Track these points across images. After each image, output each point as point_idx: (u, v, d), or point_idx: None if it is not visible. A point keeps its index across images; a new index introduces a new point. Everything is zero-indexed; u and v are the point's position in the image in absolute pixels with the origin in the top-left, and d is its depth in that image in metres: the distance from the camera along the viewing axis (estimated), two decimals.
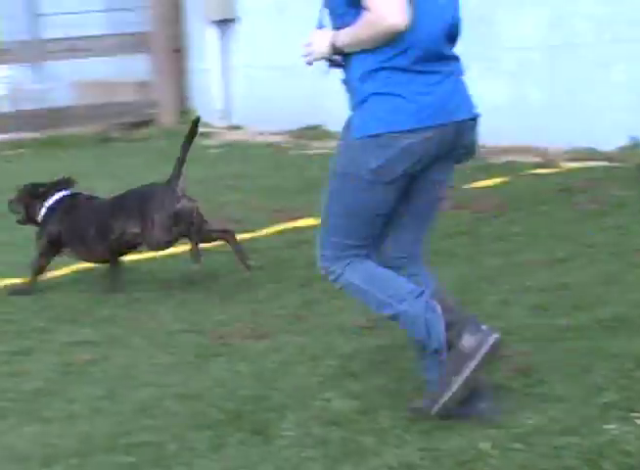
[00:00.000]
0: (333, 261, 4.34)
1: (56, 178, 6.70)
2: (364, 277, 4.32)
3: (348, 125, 4.23)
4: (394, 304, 4.27)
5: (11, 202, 6.73)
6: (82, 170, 8.82)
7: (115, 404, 4.72)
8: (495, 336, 4.18)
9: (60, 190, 6.59)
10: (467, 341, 4.14)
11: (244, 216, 7.94)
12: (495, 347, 4.18)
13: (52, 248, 6.49)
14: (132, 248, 6.42)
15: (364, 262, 4.33)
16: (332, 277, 4.36)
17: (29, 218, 6.64)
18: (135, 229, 6.17)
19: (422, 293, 4.24)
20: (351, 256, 4.31)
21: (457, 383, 4.13)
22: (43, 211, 6.55)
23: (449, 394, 4.15)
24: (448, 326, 4.18)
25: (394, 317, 4.32)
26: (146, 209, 6.14)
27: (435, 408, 4.18)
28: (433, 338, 4.19)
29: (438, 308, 4.21)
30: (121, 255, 6.50)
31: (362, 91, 4.14)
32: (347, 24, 4.08)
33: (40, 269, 6.49)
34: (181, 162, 6.11)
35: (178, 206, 6.07)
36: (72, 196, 6.61)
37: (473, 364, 4.13)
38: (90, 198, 6.66)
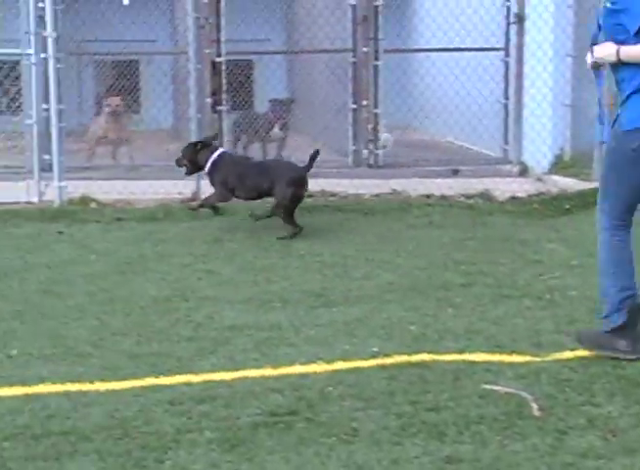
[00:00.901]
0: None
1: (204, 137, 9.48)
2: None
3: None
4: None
5: (178, 159, 9.03)
6: None
7: None
8: None
9: (215, 149, 8.99)
10: None
11: None
12: None
13: (225, 187, 8.77)
14: (267, 195, 8.75)
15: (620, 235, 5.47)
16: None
17: (197, 168, 9.01)
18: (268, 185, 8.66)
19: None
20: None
21: None
22: (209, 163, 8.83)
23: None
24: None
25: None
26: (279, 174, 8.69)
27: None
28: None
29: None
30: (260, 197, 8.85)
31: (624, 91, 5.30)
32: (624, 43, 5.22)
33: (219, 201, 8.94)
34: (313, 158, 8.80)
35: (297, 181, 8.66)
36: (226, 153, 9.13)
37: None
38: (239, 156, 9.69)
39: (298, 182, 8.69)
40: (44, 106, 10.36)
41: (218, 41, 12.07)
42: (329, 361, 5.48)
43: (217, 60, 12.04)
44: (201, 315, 6.36)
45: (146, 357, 5.60)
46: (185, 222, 9.14)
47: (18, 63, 11.33)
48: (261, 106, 13.89)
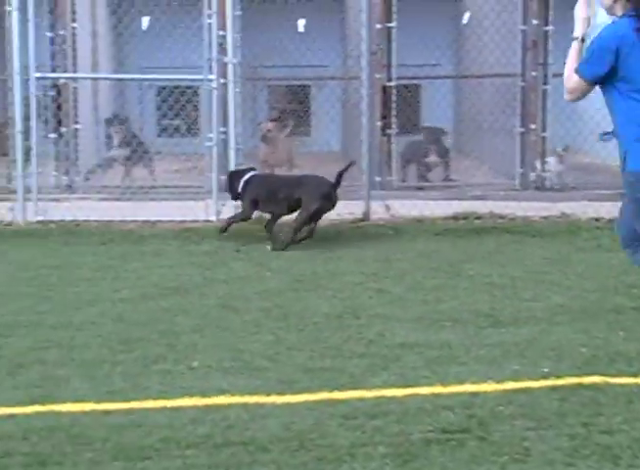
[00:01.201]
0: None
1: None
2: None
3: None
4: None
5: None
6: None
7: None
8: None
9: (247, 172, 9.38)
10: None
11: None
12: None
13: (251, 205, 9.21)
14: (295, 209, 9.03)
15: None
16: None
17: (236, 192, 9.35)
18: (298, 197, 8.97)
19: None
20: None
21: None
22: (241, 184, 9.24)
23: None
24: None
25: None
26: (308, 188, 9.03)
27: None
28: None
29: None
30: (291, 212, 9.12)
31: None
32: None
33: (242, 218, 9.32)
34: (341, 174, 9.13)
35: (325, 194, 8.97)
36: (258, 174, 9.51)
37: None
38: (270, 174, 9.99)
39: (327, 196, 9.01)
40: (222, 129, 10.59)
41: (389, 66, 12.15)
42: (499, 381, 5.42)
43: (388, 84, 12.12)
44: (372, 333, 6.38)
45: (320, 372, 5.64)
46: (356, 242, 9.21)
47: (197, 88, 11.64)
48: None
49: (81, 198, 11.22)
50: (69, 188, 11.87)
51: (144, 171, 12.45)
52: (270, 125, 12.72)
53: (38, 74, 10.18)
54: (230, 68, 10.18)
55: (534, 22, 12.09)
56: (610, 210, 10.19)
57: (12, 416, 4.96)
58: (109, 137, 12.74)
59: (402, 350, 6.02)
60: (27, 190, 10.13)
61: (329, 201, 9.03)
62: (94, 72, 13.38)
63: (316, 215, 9.06)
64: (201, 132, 12.54)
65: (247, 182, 9.27)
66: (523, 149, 12.36)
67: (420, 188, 12.33)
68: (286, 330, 6.47)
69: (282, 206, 9.17)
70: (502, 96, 12.76)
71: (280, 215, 9.31)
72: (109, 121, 12.94)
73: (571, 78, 5.79)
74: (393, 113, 12.27)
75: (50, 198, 10.46)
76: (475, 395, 5.23)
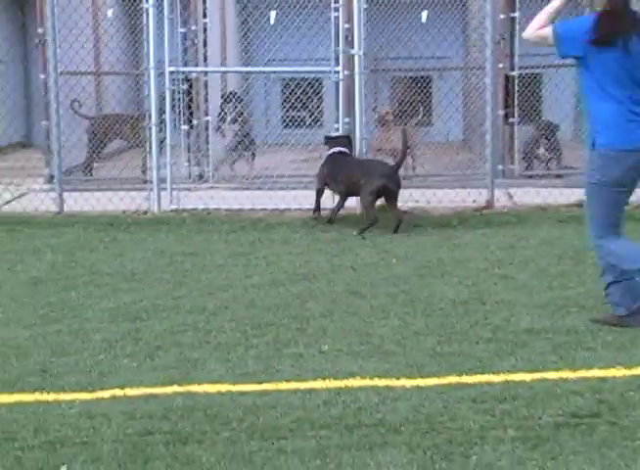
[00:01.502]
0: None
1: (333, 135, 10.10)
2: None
3: None
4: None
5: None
6: None
7: None
8: None
9: (335, 146, 9.74)
10: None
11: None
12: None
13: (321, 180, 9.62)
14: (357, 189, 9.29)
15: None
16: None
17: None
18: (357, 180, 9.22)
19: None
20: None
21: None
22: (325, 158, 9.72)
23: None
24: None
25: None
26: (370, 169, 9.29)
27: None
28: None
29: None
30: (351, 194, 9.48)
31: None
32: None
33: (318, 192, 9.67)
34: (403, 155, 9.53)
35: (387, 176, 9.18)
36: (337, 152, 9.68)
37: None
38: (346, 155, 9.72)
39: (387, 176, 9.18)
40: (346, 119, 10.59)
41: (512, 56, 12.00)
42: (628, 366, 5.33)
43: (510, 74, 11.98)
44: (498, 318, 6.32)
45: (447, 357, 5.62)
46: (480, 229, 9.14)
47: (322, 80, 11.67)
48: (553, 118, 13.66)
49: (212, 187, 11.36)
50: (201, 178, 12.03)
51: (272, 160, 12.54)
52: (384, 111, 12.65)
53: (172, 68, 10.34)
54: (357, 59, 10.17)
55: None
56: None
57: (152, 396, 5.06)
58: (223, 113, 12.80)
59: (529, 335, 5.96)
60: (162, 180, 10.30)
61: (390, 180, 9.20)
62: (223, 66, 13.52)
63: (382, 195, 9.25)
64: (326, 123, 12.58)
65: (327, 157, 9.72)
66: None
67: (542, 176, 12.15)
68: (413, 315, 6.46)
69: (342, 186, 9.46)
70: None
71: (345, 196, 9.56)
72: (226, 99, 13.00)
73: (543, 30, 6.03)
74: (516, 102, 12.12)
75: (183, 187, 10.62)
76: (603, 380, 5.15)
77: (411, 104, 13.91)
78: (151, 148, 10.22)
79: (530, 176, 12.13)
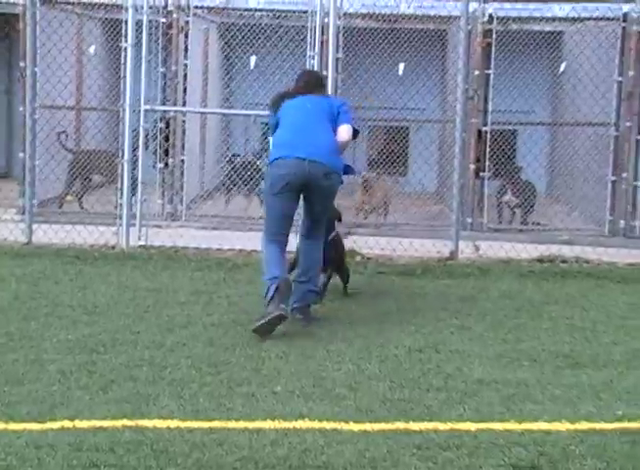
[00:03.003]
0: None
1: None
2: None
3: None
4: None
5: None
6: None
7: None
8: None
9: None
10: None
11: None
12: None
13: None
14: None
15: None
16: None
17: None
18: None
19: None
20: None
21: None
22: None
23: None
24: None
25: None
26: None
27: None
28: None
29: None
30: None
31: None
32: None
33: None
34: None
35: None
36: None
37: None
38: None
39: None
40: None
41: (485, 111, 12.14)
42: (573, 421, 5.36)
43: (483, 129, 12.11)
44: (451, 367, 6.36)
45: (397, 403, 5.64)
46: (442, 280, 9.19)
47: None
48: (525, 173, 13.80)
49: (182, 226, 11.40)
50: (173, 216, 12.06)
51: (243, 202, 12.59)
52: (367, 175, 12.87)
53: (147, 107, 10.40)
54: None
55: (631, 73, 11.97)
56: None
57: (101, 429, 5.06)
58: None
59: (479, 385, 5.99)
60: (133, 216, 10.33)
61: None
62: (204, 107, 13.61)
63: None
64: None
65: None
66: (613, 197, 12.22)
67: (508, 231, 12.24)
68: (367, 360, 6.49)
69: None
70: (595, 144, 12.64)
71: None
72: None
73: None
74: (487, 157, 12.24)
75: (153, 224, 10.64)
76: (547, 433, 5.18)
77: (388, 154, 14.03)
78: (122, 184, 10.26)
79: (502, 230, 12.22)
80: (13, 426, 5.10)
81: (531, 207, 12.87)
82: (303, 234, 7.53)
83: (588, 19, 12.57)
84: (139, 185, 10.33)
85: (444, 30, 13.80)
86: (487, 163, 12.29)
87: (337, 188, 7.39)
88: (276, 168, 7.19)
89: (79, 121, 13.65)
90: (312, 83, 7.61)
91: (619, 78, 12.04)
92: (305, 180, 7.13)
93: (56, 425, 5.11)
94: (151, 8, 10.60)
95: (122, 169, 10.26)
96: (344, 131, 7.34)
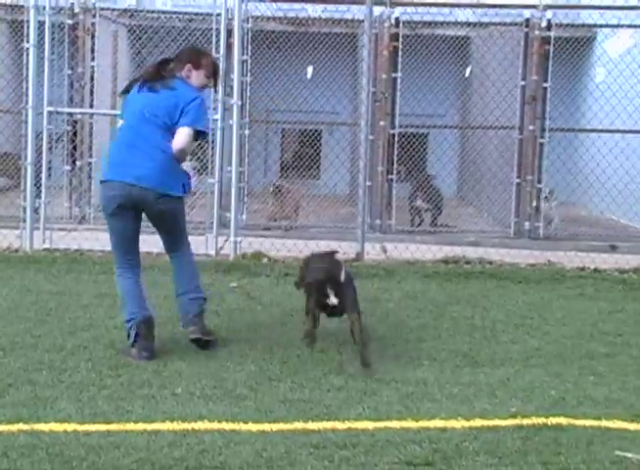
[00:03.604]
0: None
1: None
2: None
3: None
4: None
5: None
6: None
7: None
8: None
9: None
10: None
11: None
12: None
13: None
14: None
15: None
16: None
17: None
18: None
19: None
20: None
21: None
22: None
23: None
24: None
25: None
26: None
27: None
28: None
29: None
30: None
31: None
32: None
33: None
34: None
35: None
36: None
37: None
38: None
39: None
40: (229, 168, 10.67)
41: (393, 114, 12.25)
42: (468, 418, 5.44)
43: (391, 131, 12.22)
44: (351, 367, 6.39)
45: (297, 403, 5.67)
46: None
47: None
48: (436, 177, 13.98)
49: (90, 229, 11.29)
50: (81, 218, 11.95)
51: None
52: (278, 183, 12.94)
53: (50, 108, 10.29)
54: (235, 109, 10.27)
55: (534, 77, 12.18)
56: (595, 260, 10.26)
57: None
58: None
59: (379, 384, 6.05)
60: (38, 220, 10.22)
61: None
62: (114, 109, 13.49)
63: None
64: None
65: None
66: (518, 199, 12.43)
67: (416, 232, 12.38)
68: (269, 361, 6.50)
69: None
70: (505, 147, 12.85)
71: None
72: None
73: None
74: (395, 159, 12.36)
75: (57, 227, 10.53)
76: (443, 430, 5.25)
77: (300, 156, 14.08)
78: (25, 186, 10.14)
79: (410, 232, 12.34)
80: None
81: (440, 210, 13.04)
82: (166, 250, 6.96)
83: (491, 24, 12.78)
84: (43, 188, 10.21)
85: (354, 34, 13.91)
86: (396, 165, 12.40)
87: (178, 208, 6.65)
88: (106, 189, 6.56)
89: None
90: (170, 67, 6.67)
91: (523, 83, 12.25)
92: (138, 204, 6.50)
93: None
94: (53, 9, 10.47)
95: (26, 172, 10.14)
96: (179, 138, 6.43)
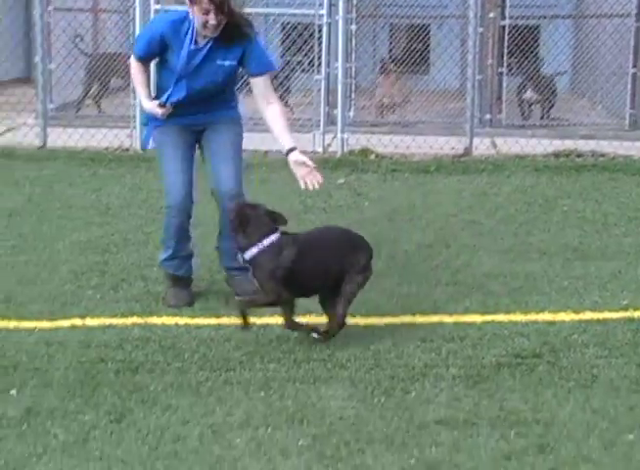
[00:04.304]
0: None
1: None
2: None
3: None
4: None
5: None
6: None
7: None
8: None
9: None
10: None
11: None
12: None
13: None
14: None
15: None
16: None
17: None
18: None
19: None
20: None
21: None
22: None
23: None
24: None
25: None
26: None
27: None
28: None
29: None
30: None
31: None
32: None
33: None
34: None
35: None
36: None
37: None
38: None
39: None
40: (335, 64, 10.59)
41: (503, 5, 11.96)
42: (577, 311, 5.41)
43: (501, 23, 11.94)
44: (459, 262, 6.39)
45: (405, 297, 5.70)
46: (455, 176, 9.17)
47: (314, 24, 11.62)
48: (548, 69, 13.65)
49: None
50: None
51: None
52: (387, 62, 12.72)
53: (157, 7, 10.28)
54: (341, 4, 10.15)
55: None
56: None
57: (111, 326, 5.16)
58: None
59: (487, 279, 6.03)
60: None
61: None
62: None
63: None
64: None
65: None
66: (633, 89, 12.08)
67: (527, 126, 12.16)
68: (377, 257, 6.48)
69: None
70: (620, 36, 12.45)
71: None
72: None
73: None
74: (506, 51, 12.09)
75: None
76: (551, 323, 5.24)
77: (408, 51, 13.89)
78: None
79: (521, 126, 12.13)
80: (25, 324, 5.20)
81: (551, 102, 12.75)
82: None
83: None
84: (152, 87, 10.23)
85: None
86: (506, 58, 12.15)
87: None
88: None
89: (97, 24, 13.57)
90: None
91: None
92: None
93: (66, 323, 5.21)
94: None
95: None
96: None
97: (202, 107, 5.47)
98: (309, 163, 5.39)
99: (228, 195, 5.45)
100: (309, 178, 5.38)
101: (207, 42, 5.35)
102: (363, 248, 5.21)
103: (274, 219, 5.05)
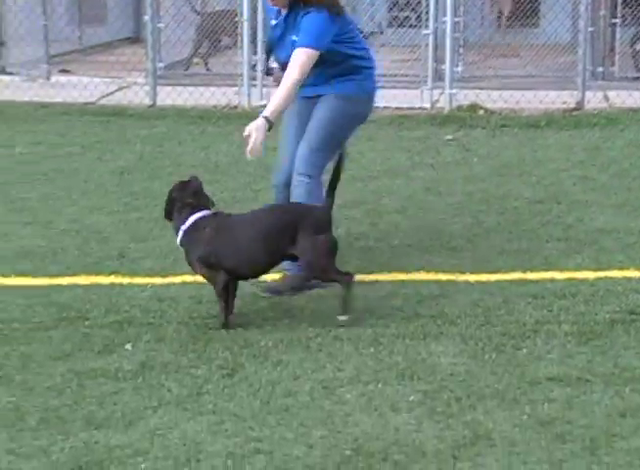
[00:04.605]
0: None
1: None
2: None
3: None
4: None
5: None
6: None
7: None
8: None
9: None
10: None
11: None
12: None
13: None
14: None
15: None
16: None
17: None
18: None
19: None
20: None
21: None
22: None
23: None
24: None
25: None
26: None
27: None
28: None
29: None
30: None
31: None
32: None
33: None
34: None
35: None
36: None
37: None
38: None
39: None
40: (443, 19, 10.46)
41: None
42: None
43: None
44: (571, 218, 6.30)
45: (515, 254, 5.65)
46: (566, 130, 9.01)
47: None
48: None
49: None
50: None
51: None
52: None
53: None
54: None
55: None
56: None
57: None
58: None
59: (600, 234, 5.95)
60: (255, 76, 10.36)
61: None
62: None
63: None
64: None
65: None
66: None
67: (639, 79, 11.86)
68: (486, 213, 6.47)
69: None
70: None
71: None
72: None
73: None
74: (620, 1, 11.80)
75: (274, 84, 10.61)
76: None
77: (518, 3, 13.64)
78: (242, 43, 10.27)
79: (635, 78, 11.83)
80: (137, 280, 5.31)
81: None
82: None
83: None
84: (259, 44, 10.28)
85: None
86: (620, 9, 11.85)
87: None
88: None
89: None
90: None
91: None
92: None
93: (178, 279, 5.30)
94: None
95: (242, 29, 10.25)
96: None
97: (312, 79, 5.44)
98: (252, 137, 5.27)
99: (291, 174, 5.43)
100: (249, 147, 5.26)
101: (284, 16, 5.34)
102: (309, 219, 4.85)
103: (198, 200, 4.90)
